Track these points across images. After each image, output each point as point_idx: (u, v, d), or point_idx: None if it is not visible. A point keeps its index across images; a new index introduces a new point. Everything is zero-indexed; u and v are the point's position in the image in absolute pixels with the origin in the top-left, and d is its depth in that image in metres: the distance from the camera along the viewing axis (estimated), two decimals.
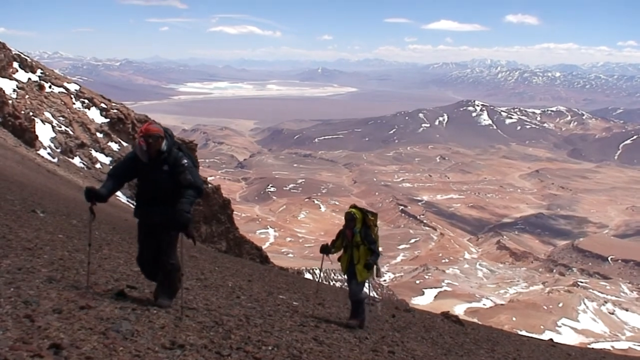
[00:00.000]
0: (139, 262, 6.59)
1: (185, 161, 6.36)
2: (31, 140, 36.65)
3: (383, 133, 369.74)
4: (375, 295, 31.01)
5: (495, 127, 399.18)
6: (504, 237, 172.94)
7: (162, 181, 6.32)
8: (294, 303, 10.35)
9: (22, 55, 47.25)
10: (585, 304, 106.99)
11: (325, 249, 9.35)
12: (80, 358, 3.96)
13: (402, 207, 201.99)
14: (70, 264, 7.53)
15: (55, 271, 6.83)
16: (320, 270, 9.62)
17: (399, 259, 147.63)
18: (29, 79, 44.54)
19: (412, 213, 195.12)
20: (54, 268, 6.97)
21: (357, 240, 8.94)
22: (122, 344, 4.54)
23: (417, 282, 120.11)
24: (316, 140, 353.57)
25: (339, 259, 9.24)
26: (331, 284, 49.74)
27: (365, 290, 9.34)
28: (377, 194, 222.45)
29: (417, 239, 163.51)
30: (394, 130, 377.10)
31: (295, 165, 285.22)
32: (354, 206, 9.27)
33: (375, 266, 9.06)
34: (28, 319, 4.45)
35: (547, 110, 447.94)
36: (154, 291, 6.61)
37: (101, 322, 4.95)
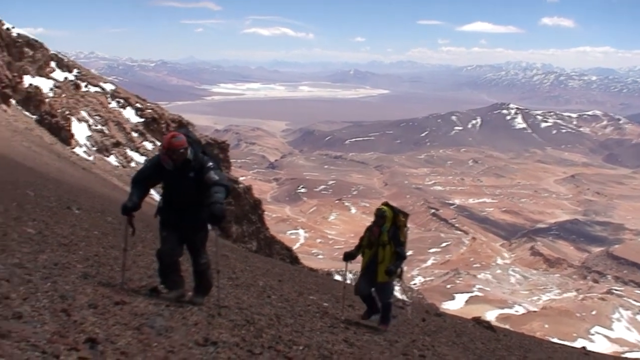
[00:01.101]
0: (159, 255, 6.46)
1: (210, 163, 6.36)
2: (67, 138, 37.24)
3: (415, 135, 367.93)
4: (405, 299, 30.89)
5: (530, 131, 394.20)
6: (538, 242, 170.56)
7: (188, 187, 6.34)
8: (324, 304, 10.37)
9: (59, 55, 48.02)
10: (619, 312, 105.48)
11: (348, 256, 9.29)
12: (115, 353, 4.01)
13: (433, 210, 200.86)
14: (105, 260, 7.64)
15: (91, 267, 6.93)
16: (347, 272, 9.40)
17: (429, 262, 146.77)
18: (66, 78, 45.23)
19: (443, 217, 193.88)
20: (89, 264, 7.07)
21: (384, 240, 8.77)
22: (156, 339, 4.59)
23: (448, 286, 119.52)
24: (347, 142, 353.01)
25: (363, 254, 9.11)
26: None
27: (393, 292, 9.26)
28: (408, 196, 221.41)
29: (449, 242, 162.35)
30: (426, 132, 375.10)
31: (326, 166, 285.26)
32: (386, 204, 9.09)
33: (399, 270, 8.91)
34: (64, 313, 4.51)
35: (583, 114, 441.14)
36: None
37: (135, 317, 5.01)
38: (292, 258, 43.12)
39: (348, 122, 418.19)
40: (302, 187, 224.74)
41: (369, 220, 9.08)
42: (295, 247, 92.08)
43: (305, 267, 35.07)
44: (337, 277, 40.33)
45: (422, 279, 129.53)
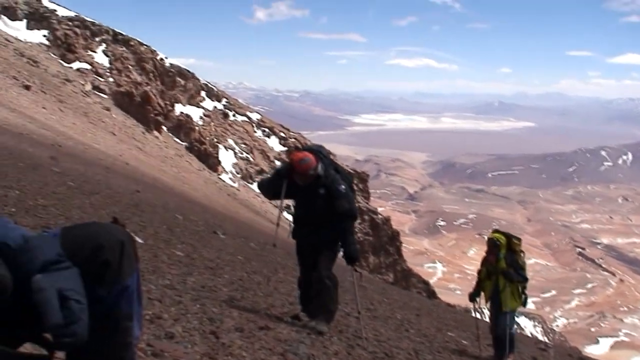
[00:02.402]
0: (301, 285, 6.60)
1: (343, 187, 6.30)
2: (214, 165, 39.06)
3: (561, 170, 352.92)
4: (547, 341, 29.62)
5: None
6: None
7: (318, 204, 6.30)
8: (463, 342, 10.15)
9: (209, 85, 50.66)
10: None
11: (474, 295, 9.13)
12: None
13: (579, 249, 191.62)
14: (249, 285, 7.89)
15: (235, 291, 7.18)
16: (483, 308, 9.20)
17: (573, 303, 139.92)
18: (215, 107, 47.62)
19: (590, 256, 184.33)
20: (234, 288, 7.33)
21: (503, 267, 8.48)
22: None
23: (592, 329, 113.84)
24: (489, 175, 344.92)
25: (484, 288, 8.85)
26: None
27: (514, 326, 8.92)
28: (553, 234, 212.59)
29: (594, 284, 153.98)
30: (573, 167, 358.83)
31: (466, 199, 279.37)
32: (496, 231, 8.90)
33: (523, 295, 8.63)
34: (213, 335, 4.71)
35: None
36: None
37: (279, 343, 5.15)
38: (429, 292, 42.54)
39: (491, 154, 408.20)
40: (441, 220, 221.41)
41: None
42: (432, 280, 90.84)
43: (442, 302, 34.40)
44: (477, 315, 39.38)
45: (565, 321, 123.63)
